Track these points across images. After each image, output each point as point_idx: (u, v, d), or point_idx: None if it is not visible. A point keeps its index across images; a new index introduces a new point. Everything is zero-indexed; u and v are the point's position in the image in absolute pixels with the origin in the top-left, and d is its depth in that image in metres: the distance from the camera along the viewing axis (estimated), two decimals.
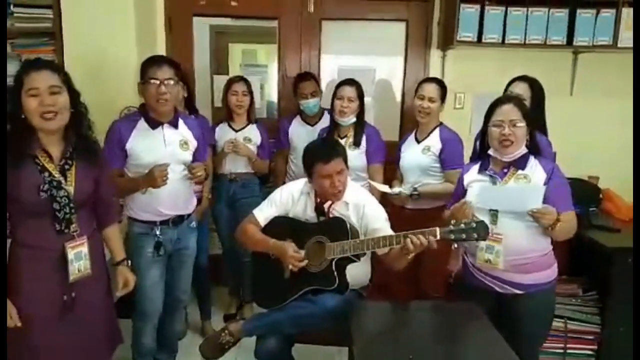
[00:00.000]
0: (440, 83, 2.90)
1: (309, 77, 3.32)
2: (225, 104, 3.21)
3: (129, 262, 2.13)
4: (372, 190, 2.76)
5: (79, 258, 1.84)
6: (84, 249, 1.86)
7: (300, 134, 3.27)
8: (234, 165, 3.16)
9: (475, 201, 2.11)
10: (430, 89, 2.83)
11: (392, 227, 2.25)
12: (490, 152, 2.17)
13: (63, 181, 1.78)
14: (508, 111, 2.08)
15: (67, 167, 1.81)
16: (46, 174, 1.75)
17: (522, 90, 2.63)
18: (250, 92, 3.18)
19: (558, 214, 1.98)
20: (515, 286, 2.12)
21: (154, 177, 2.19)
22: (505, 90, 2.74)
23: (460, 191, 2.26)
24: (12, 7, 2.96)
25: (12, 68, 2.91)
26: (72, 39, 2.98)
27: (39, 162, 1.76)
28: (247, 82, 3.18)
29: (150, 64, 2.29)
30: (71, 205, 1.79)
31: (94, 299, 1.94)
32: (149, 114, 2.32)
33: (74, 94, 1.82)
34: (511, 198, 2.05)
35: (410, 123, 3.11)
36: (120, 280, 2.07)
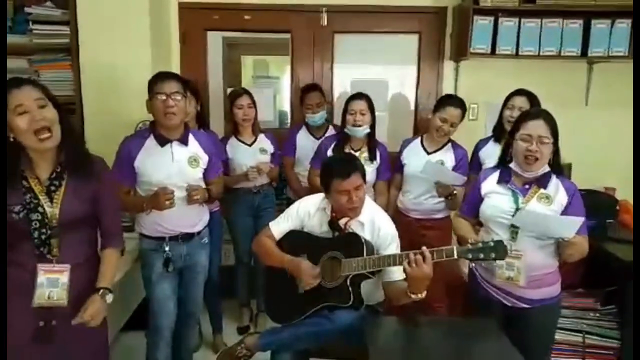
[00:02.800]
0: (463, 106, 2.86)
1: (314, 88, 3.36)
2: (230, 118, 3.22)
3: (110, 295, 1.83)
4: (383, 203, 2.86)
5: (53, 285, 1.72)
6: (62, 278, 1.73)
7: (306, 146, 3.30)
8: (259, 179, 3.16)
9: (507, 219, 2.09)
10: (455, 115, 2.81)
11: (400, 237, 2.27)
12: (512, 165, 2.14)
13: (47, 203, 1.72)
14: (537, 127, 2.04)
15: (53, 188, 1.73)
16: (28, 195, 1.69)
17: (521, 103, 2.67)
18: (254, 104, 3.18)
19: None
20: (525, 301, 2.11)
21: (158, 200, 2.19)
22: (505, 104, 2.77)
23: (476, 198, 2.23)
24: (30, 24, 3.02)
25: None
26: (89, 55, 3.02)
27: (26, 183, 1.70)
28: (250, 95, 3.17)
29: (156, 80, 2.29)
30: (47, 228, 1.71)
31: (80, 330, 1.74)
32: (158, 131, 2.32)
33: (59, 109, 1.73)
34: (549, 225, 2.01)
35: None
36: (87, 305, 1.74)
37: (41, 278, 1.72)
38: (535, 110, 2.28)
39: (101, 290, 1.80)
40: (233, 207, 3.21)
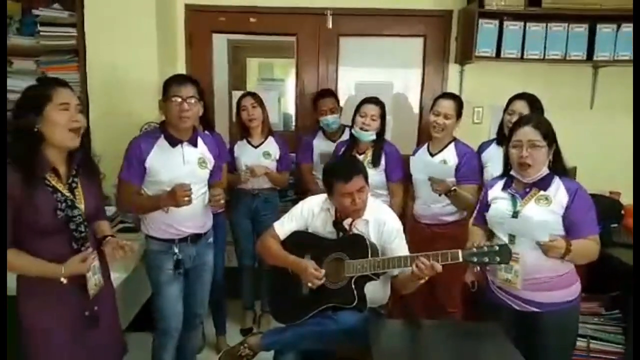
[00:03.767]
0: (456, 99, 2.89)
1: (328, 93, 3.37)
2: (238, 121, 3.24)
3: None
4: (393, 205, 2.84)
5: (95, 272, 1.84)
6: (97, 263, 1.86)
7: (323, 150, 3.30)
8: (257, 181, 3.18)
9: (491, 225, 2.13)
10: (447, 105, 2.83)
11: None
12: (512, 172, 2.16)
13: (75, 200, 1.78)
14: (527, 132, 2.06)
15: (74, 185, 1.80)
16: (58, 194, 1.74)
17: (520, 107, 2.66)
18: (261, 104, 3.19)
19: (569, 243, 1.96)
20: (534, 305, 2.10)
21: (176, 197, 2.20)
22: (506, 108, 2.77)
23: (484, 206, 2.25)
24: (38, 25, 3.05)
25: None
26: (95, 56, 3.06)
27: (48, 182, 1.73)
28: (254, 96, 3.20)
29: (173, 82, 2.31)
30: (85, 223, 1.80)
31: (109, 310, 1.96)
32: (169, 132, 2.34)
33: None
34: (533, 230, 2.02)
35: (428, 137, 3.10)
36: (108, 245, 1.91)
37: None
38: (525, 117, 2.28)
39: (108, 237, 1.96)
40: (234, 208, 3.23)
